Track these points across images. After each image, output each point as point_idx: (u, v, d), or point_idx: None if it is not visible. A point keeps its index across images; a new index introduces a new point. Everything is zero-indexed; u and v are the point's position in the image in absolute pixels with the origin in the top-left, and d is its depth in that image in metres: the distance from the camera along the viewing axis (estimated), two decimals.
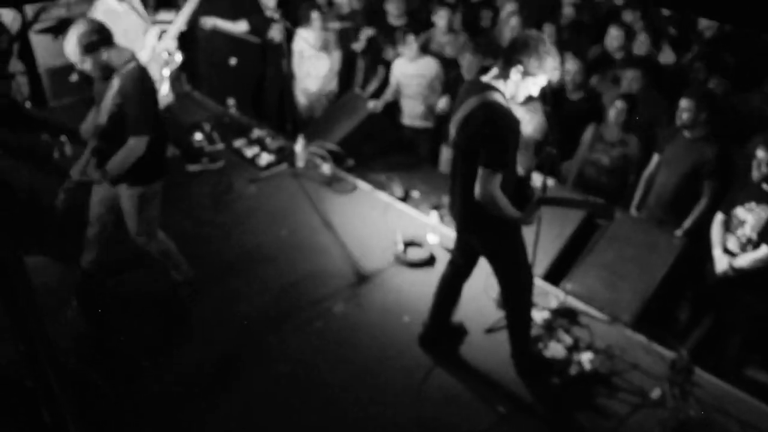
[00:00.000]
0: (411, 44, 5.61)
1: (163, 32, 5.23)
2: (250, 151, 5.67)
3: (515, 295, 3.55)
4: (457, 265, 3.71)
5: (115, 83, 3.49)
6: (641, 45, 5.66)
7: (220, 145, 5.77)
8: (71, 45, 3.41)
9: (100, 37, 3.44)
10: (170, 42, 5.15)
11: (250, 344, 3.85)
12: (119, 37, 3.66)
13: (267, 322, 4.01)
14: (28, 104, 6.04)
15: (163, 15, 5.57)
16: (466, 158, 3.20)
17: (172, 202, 4.43)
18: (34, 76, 6.25)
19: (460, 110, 3.19)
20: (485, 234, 3.39)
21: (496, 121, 3.04)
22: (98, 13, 4.99)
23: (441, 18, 6.20)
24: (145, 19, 5.22)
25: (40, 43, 6.15)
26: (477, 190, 3.07)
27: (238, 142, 5.80)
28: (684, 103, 4.45)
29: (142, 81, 3.57)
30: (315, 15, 6.00)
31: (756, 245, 4.03)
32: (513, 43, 3.09)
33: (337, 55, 6.30)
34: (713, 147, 4.46)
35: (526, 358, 3.71)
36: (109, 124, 3.57)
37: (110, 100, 3.52)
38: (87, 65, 3.48)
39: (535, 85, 3.14)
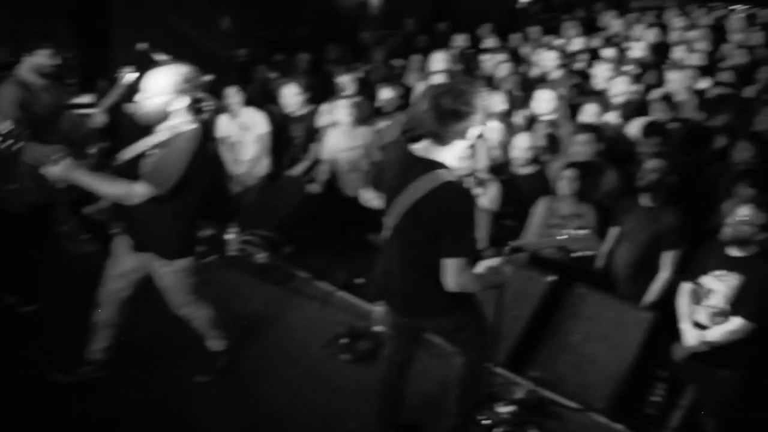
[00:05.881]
0: (346, 114, 5.38)
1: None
2: None
3: (478, 365, 3.25)
4: (398, 360, 3.29)
5: None
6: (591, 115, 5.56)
7: None
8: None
9: None
10: None
11: None
12: None
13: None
14: None
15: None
16: (417, 243, 2.85)
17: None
18: None
19: (404, 192, 2.80)
20: (448, 318, 3.04)
21: (461, 205, 2.72)
22: None
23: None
24: None
25: None
26: (450, 282, 2.75)
27: None
28: (650, 163, 4.26)
29: None
30: (233, 96, 5.81)
31: (728, 316, 3.74)
32: (442, 112, 2.70)
33: (265, 135, 6.00)
34: (673, 214, 4.27)
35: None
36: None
37: None
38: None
39: (472, 135, 2.82)
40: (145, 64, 5.35)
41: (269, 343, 4.18)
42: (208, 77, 5.96)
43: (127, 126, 6.09)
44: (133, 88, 5.26)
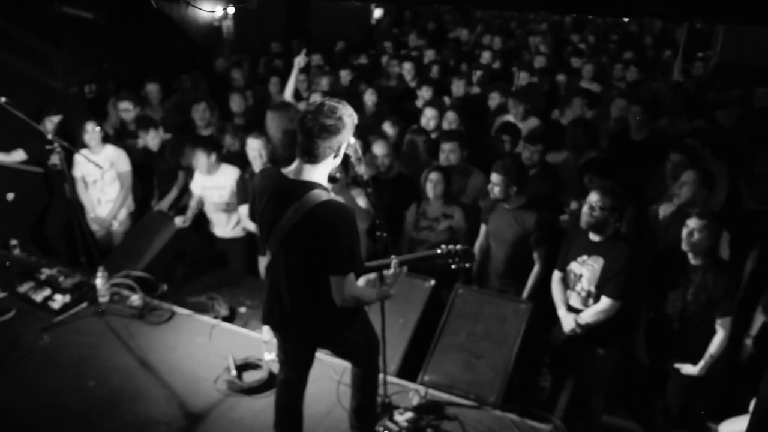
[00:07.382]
0: (202, 157, 5.22)
1: None
2: (39, 295, 4.80)
3: (374, 373, 3.29)
4: (291, 381, 3.23)
5: None
6: (451, 122, 5.74)
7: (1, 294, 4.84)
8: None
9: None
10: None
11: None
12: None
13: None
14: None
15: None
16: (302, 264, 2.83)
17: None
18: None
19: (283, 217, 2.77)
20: (341, 334, 3.04)
21: (341, 224, 2.72)
22: None
23: None
24: None
25: None
26: (339, 298, 2.77)
27: (25, 287, 4.90)
28: (494, 177, 4.42)
29: None
30: (91, 133, 5.50)
31: (597, 297, 3.99)
32: (314, 128, 2.71)
33: (127, 172, 5.72)
34: (533, 214, 4.45)
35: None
36: None
37: None
38: None
39: (343, 152, 2.86)
40: None
41: (157, 387, 3.92)
42: (55, 117, 5.64)
43: None
44: None
